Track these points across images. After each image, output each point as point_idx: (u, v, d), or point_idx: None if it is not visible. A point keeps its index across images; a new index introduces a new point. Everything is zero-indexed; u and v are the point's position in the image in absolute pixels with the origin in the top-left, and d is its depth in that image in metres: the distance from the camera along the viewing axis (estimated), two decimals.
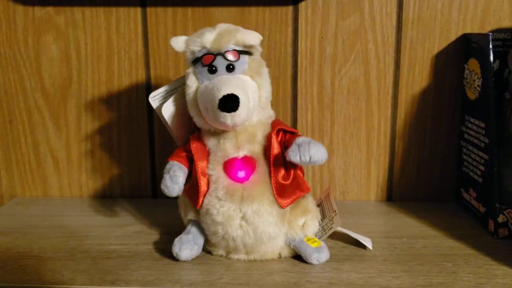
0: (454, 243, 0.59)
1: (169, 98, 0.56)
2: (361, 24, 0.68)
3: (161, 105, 0.56)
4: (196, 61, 0.53)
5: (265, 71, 0.54)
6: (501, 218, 0.59)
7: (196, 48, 0.53)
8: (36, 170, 0.75)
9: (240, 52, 0.52)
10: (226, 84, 0.50)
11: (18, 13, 0.70)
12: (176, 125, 0.57)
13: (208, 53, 0.52)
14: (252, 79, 0.53)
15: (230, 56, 0.52)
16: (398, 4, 0.67)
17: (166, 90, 0.58)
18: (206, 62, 0.52)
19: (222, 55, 0.52)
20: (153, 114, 0.72)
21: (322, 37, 0.69)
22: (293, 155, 0.50)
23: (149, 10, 0.69)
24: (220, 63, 0.52)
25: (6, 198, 0.76)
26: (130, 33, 0.70)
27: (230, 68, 0.52)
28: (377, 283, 0.49)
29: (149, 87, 0.71)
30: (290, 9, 0.68)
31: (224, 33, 0.52)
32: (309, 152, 0.50)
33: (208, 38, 0.52)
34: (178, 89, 0.57)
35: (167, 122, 0.56)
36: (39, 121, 0.73)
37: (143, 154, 0.74)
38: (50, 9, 0.70)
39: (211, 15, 0.69)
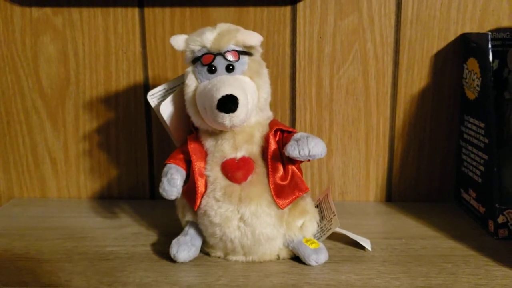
0: (454, 244, 0.58)
1: (167, 97, 0.56)
2: (360, 24, 0.68)
3: (159, 103, 0.56)
4: (195, 60, 0.52)
5: (265, 72, 0.54)
6: (501, 219, 0.59)
7: (196, 47, 0.52)
8: (34, 171, 0.75)
9: (240, 53, 0.52)
10: (225, 85, 0.49)
11: (16, 14, 0.69)
12: (174, 124, 0.57)
13: (208, 52, 0.52)
14: (252, 80, 0.52)
15: (230, 57, 0.51)
16: (397, 4, 0.67)
17: (164, 89, 0.58)
18: (206, 61, 0.52)
19: (222, 55, 0.51)
20: (151, 115, 0.72)
21: (320, 37, 0.69)
22: (292, 149, 0.50)
23: (147, 10, 0.69)
24: (219, 63, 0.51)
25: (3, 199, 0.76)
26: (128, 33, 0.70)
27: (229, 68, 0.51)
28: (376, 285, 0.49)
29: (147, 88, 0.71)
30: (288, 9, 0.68)
31: (224, 33, 0.52)
32: (308, 145, 0.49)
33: (209, 38, 0.52)
34: (176, 88, 0.57)
35: (165, 121, 0.56)
36: (37, 122, 0.73)
37: (141, 155, 0.74)
38: (48, 10, 0.69)
39: (209, 16, 0.68)
